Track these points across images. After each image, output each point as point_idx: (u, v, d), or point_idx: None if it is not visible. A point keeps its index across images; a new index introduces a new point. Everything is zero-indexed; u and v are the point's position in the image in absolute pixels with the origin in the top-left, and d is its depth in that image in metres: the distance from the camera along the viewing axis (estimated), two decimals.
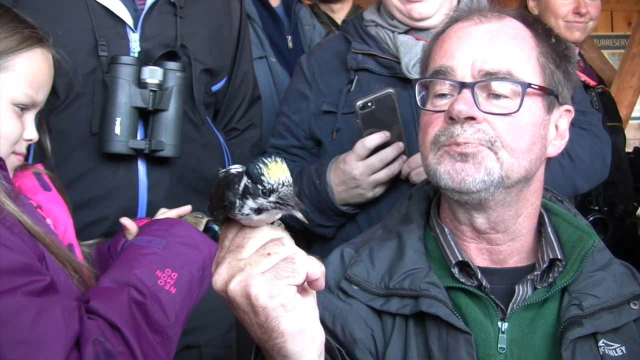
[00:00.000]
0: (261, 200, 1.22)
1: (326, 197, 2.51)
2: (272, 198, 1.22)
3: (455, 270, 1.75)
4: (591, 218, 3.07)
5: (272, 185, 1.22)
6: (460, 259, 1.75)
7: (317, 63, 2.77)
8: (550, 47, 1.78)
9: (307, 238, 2.95)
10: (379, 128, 2.40)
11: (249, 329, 1.24)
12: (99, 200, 2.49)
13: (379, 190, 2.47)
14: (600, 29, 7.20)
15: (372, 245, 1.85)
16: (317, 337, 1.26)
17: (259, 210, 1.23)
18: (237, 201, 1.24)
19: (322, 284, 1.25)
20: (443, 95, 1.76)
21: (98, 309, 1.83)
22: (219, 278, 1.23)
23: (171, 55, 2.55)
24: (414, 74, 2.46)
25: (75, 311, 1.78)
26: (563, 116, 1.82)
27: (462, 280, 1.74)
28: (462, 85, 1.70)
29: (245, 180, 1.23)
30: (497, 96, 1.70)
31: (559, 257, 1.75)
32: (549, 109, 1.77)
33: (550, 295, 1.73)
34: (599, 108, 3.34)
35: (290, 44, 3.52)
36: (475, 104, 1.68)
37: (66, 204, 2.08)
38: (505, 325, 1.71)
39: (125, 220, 2.27)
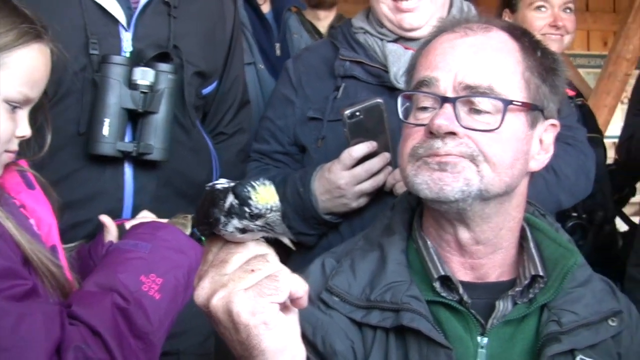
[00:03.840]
0: (247, 222, 1.21)
1: (310, 205, 2.49)
2: (259, 222, 1.21)
3: (437, 285, 1.73)
4: (570, 224, 3.08)
5: (260, 210, 1.21)
6: (443, 273, 1.73)
7: (303, 68, 2.76)
8: (537, 60, 1.77)
9: (287, 247, 2.92)
10: (366, 138, 2.38)
11: (229, 345, 1.24)
12: (83, 202, 2.44)
13: (363, 201, 2.46)
14: (577, 48, 7.31)
15: (353, 256, 1.83)
16: (297, 356, 1.26)
17: (243, 230, 1.23)
18: (222, 218, 1.23)
19: (305, 302, 1.25)
20: (425, 109, 1.75)
21: (80, 314, 1.79)
22: (202, 292, 1.23)
23: (163, 57, 2.51)
24: (402, 83, 2.45)
25: (57, 317, 1.74)
26: (548, 130, 1.80)
27: (444, 294, 1.73)
28: (444, 99, 1.69)
29: (231, 199, 1.22)
30: (479, 111, 1.69)
31: (541, 273, 1.74)
32: (533, 124, 1.75)
33: (530, 312, 1.72)
34: (579, 119, 3.35)
35: (278, 52, 3.50)
36: (457, 118, 1.67)
37: (51, 203, 2.04)
38: (485, 340, 1.70)
39: (105, 218, 2.24)
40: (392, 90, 2.50)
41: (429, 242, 1.79)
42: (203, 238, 2.44)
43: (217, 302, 1.19)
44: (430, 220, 1.81)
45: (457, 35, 1.77)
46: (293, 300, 1.23)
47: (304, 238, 2.61)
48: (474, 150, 1.66)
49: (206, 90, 2.75)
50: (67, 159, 2.44)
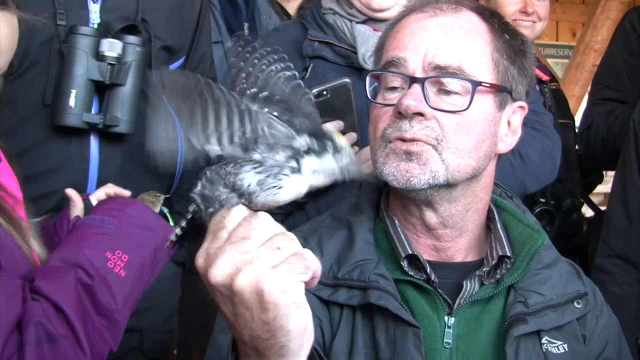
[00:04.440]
0: (328, 157, 1.24)
1: None
2: (344, 160, 1.23)
3: (405, 264, 1.72)
4: (538, 210, 3.09)
5: (342, 146, 1.23)
6: (410, 252, 1.72)
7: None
8: (506, 42, 1.75)
9: None
10: (333, 117, 2.36)
11: (242, 327, 1.16)
12: (48, 174, 2.42)
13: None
14: (545, 38, 7.35)
15: (320, 234, 1.81)
16: (312, 336, 1.22)
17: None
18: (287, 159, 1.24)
19: (316, 282, 1.20)
20: (394, 89, 1.72)
21: (43, 289, 1.76)
22: (220, 271, 1.13)
23: (131, 30, 2.48)
24: (370, 64, 2.42)
25: (19, 291, 1.71)
26: (516, 112, 1.79)
27: (411, 273, 1.72)
28: (412, 79, 1.67)
29: (305, 138, 1.22)
30: (448, 92, 1.67)
31: (508, 254, 1.74)
32: (501, 106, 1.74)
33: (497, 292, 1.72)
34: (552, 104, 3.36)
35: (246, 31, 3.47)
36: (425, 99, 1.65)
37: (16, 176, 1.99)
38: (452, 320, 1.69)
39: (71, 192, 2.20)
40: (360, 71, 2.49)
41: (396, 222, 1.79)
42: (167, 211, 2.44)
43: (243, 281, 1.11)
44: (397, 202, 1.80)
45: (427, 16, 1.75)
46: (310, 280, 1.18)
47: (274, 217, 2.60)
48: (438, 134, 1.65)
49: (173, 66, 2.72)
50: (32, 130, 2.41)
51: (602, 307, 1.83)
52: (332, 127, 2.30)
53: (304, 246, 1.73)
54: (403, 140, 1.65)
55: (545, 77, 3.41)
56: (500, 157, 1.83)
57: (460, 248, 1.78)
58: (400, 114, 1.66)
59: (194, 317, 3.17)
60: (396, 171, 1.65)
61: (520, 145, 2.53)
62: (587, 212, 3.82)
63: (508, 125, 1.78)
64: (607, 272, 2.71)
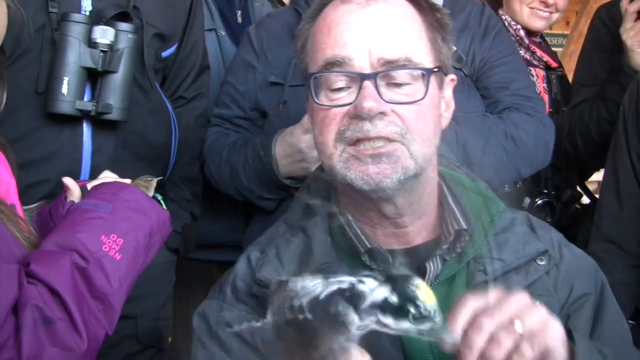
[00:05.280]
0: (407, 324, 1.23)
1: (270, 169, 2.48)
2: (425, 327, 1.22)
3: (366, 258, 1.70)
4: (540, 202, 3.08)
5: (429, 312, 1.21)
6: (370, 246, 1.70)
7: (265, 34, 2.74)
8: (435, 19, 1.75)
9: (247, 211, 2.92)
10: None
11: None
12: (41, 162, 2.42)
13: None
14: None
15: (277, 243, 1.78)
16: None
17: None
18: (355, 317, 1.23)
19: None
20: (339, 89, 1.68)
21: (38, 273, 1.77)
22: None
23: (123, 17, 2.48)
24: None
25: (15, 275, 1.72)
26: (448, 86, 1.79)
27: (375, 266, 1.69)
28: (364, 77, 1.63)
29: (386, 292, 1.21)
30: (399, 85, 1.65)
31: (464, 227, 1.72)
32: (441, 85, 1.74)
33: (461, 268, 1.71)
34: (558, 91, 3.35)
35: (239, 19, 3.47)
36: (380, 95, 1.62)
37: (9, 162, 2.00)
38: None
39: (68, 180, 2.20)
40: None
41: (350, 218, 1.75)
42: (160, 197, 2.45)
43: None
44: (349, 198, 1.76)
45: (357, 7, 1.69)
46: None
47: (264, 202, 2.61)
48: (402, 128, 1.63)
49: (165, 53, 2.74)
50: (25, 118, 2.40)
51: (560, 253, 1.80)
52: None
53: (261, 259, 1.73)
54: (367, 140, 1.62)
55: (554, 64, 3.41)
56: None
57: (419, 230, 1.76)
58: (358, 115, 1.62)
59: (187, 304, 3.18)
60: (365, 175, 1.62)
61: (514, 130, 2.56)
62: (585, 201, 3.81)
63: (444, 100, 1.78)
64: (598, 258, 2.71)
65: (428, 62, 1.69)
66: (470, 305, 1.36)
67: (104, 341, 1.97)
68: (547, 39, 3.82)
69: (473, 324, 1.33)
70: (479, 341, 1.31)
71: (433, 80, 1.69)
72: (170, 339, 2.91)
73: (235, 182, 2.62)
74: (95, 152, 2.49)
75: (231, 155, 2.63)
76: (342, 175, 1.65)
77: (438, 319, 1.20)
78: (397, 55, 1.64)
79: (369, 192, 1.64)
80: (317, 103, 1.69)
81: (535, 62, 3.34)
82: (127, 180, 2.20)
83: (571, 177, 3.41)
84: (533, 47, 3.33)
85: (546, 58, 3.38)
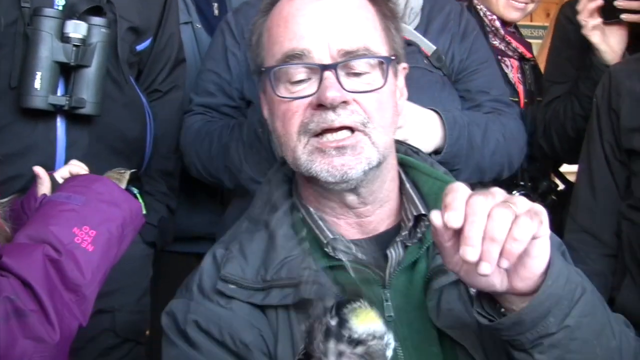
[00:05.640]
0: (344, 347, 1.19)
1: (268, 146, 2.42)
2: (359, 350, 1.19)
3: (330, 249, 1.71)
4: (516, 194, 3.08)
5: (360, 336, 1.18)
6: (332, 237, 1.71)
7: (245, 21, 2.71)
8: (387, 8, 1.76)
9: (226, 203, 2.93)
10: None
11: None
12: (15, 157, 2.42)
13: None
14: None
15: (240, 239, 1.77)
16: None
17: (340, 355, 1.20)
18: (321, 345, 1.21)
19: None
20: (299, 81, 1.68)
21: (10, 265, 1.78)
22: None
23: (96, 11, 2.48)
24: None
25: None
26: (401, 74, 1.81)
27: (339, 257, 1.70)
28: (324, 68, 1.64)
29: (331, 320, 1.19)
30: (358, 74, 1.67)
31: (423, 212, 1.73)
32: (395, 74, 1.76)
33: (422, 253, 1.70)
34: (532, 81, 3.36)
35: (216, 11, 3.46)
36: (341, 85, 1.63)
37: None
38: (388, 292, 1.68)
39: (38, 169, 2.22)
40: None
41: (311, 210, 1.76)
42: (136, 191, 2.46)
43: None
44: (311, 190, 1.76)
45: None
46: None
47: (254, 185, 2.58)
48: (364, 117, 1.64)
49: (140, 47, 2.74)
50: None
51: None
52: None
53: (226, 255, 1.72)
54: (330, 131, 1.64)
55: (528, 55, 3.42)
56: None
57: (382, 218, 1.77)
58: (321, 106, 1.63)
59: (166, 297, 3.18)
60: (330, 167, 1.63)
61: (503, 127, 2.60)
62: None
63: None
64: (573, 248, 2.72)
65: (383, 50, 1.71)
66: (462, 191, 1.35)
67: (82, 335, 1.99)
68: (528, 31, 3.84)
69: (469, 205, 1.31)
70: (480, 219, 1.29)
71: (390, 69, 1.71)
72: (148, 332, 2.91)
73: (227, 161, 2.57)
74: (69, 146, 2.49)
75: (224, 136, 2.57)
76: (306, 168, 1.66)
77: (373, 342, 1.19)
78: (356, 45, 1.65)
79: (334, 183, 1.65)
80: (278, 96, 1.69)
81: (510, 53, 3.34)
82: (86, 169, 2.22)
83: (547, 167, 3.43)
84: (508, 37, 3.33)
85: (521, 49, 3.38)
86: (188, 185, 3.05)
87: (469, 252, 1.28)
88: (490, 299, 1.44)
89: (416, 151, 1.92)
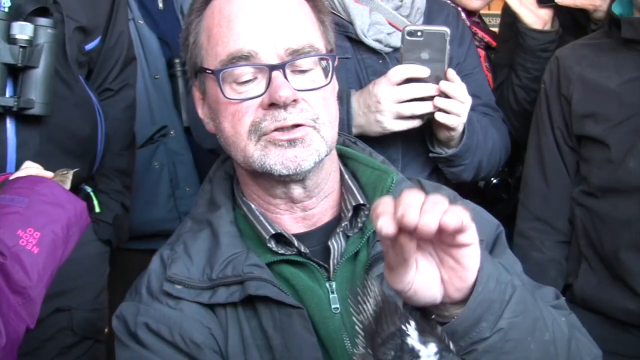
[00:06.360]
0: None
1: (344, 117, 2.38)
2: None
3: (272, 244, 1.72)
4: (495, 181, 3.09)
5: None
6: (273, 232, 1.72)
7: None
8: (320, 2, 1.78)
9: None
10: (419, 62, 2.29)
11: None
12: None
13: (398, 125, 2.36)
14: None
15: (185, 239, 1.78)
16: None
17: None
18: None
19: None
20: (246, 82, 1.68)
21: None
22: None
23: (43, 12, 2.48)
24: (369, 38, 2.47)
25: None
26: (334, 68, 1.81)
27: (282, 251, 1.72)
28: (272, 67, 1.65)
29: None
30: (303, 71, 1.69)
31: (361, 202, 1.75)
32: (333, 70, 1.76)
33: (364, 243, 1.72)
34: (491, 70, 3.38)
35: (160, 5, 3.45)
36: (290, 84, 1.64)
37: None
38: (333, 284, 1.70)
39: None
40: (354, 42, 2.52)
41: (253, 206, 1.78)
42: (90, 189, 2.46)
43: None
44: (255, 187, 1.78)
45: None
46: None
47: None
48: (313, 114, 1.67)
49: (89, 46, 2.74)
50: None
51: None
52: (414, 69, 2.28)
53: (171, 256, 1.73)
54: (282, 129, 1.65)
55: (494, 44, 3.44)
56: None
57: (325, 209, 1.79)
58: (273, 105, 1.64)
59: (124, 295, 3.19)
60: (284, 159, 1.64)
61: (496, 129, 2.65)
62: None
63: None
64: (527, 237, 2.74)
65: (322, 46, 1.73)
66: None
67: (39, 335, 2.00)
68: (486, 19, 3.84)
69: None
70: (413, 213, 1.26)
71: (332, 64, 1.73)
72: (107, 330, 2.92)
73: None
74: (20, 147, 2.49)
75: None
76: (260, 163, 1.67)
77: None
78: (302, 43, 1.67)
79: (287, 176, 1.67)
80: (227, 98, 1.69)
81: (477, 43, 3.36)
82: (49, 174, 2.21)
83: (522, 151, 3.45)
84: (474, 28, 3.35)
85: (487, 38, 3.40)
86: (144, 183, 3.06)
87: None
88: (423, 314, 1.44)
89: (354, 141, 1.93)
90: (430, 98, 2.29)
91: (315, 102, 1.68)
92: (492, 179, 3.04)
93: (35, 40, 2.42)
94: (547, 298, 1.75)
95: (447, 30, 2.28)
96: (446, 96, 2.28)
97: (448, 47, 2.27)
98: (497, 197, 3.06)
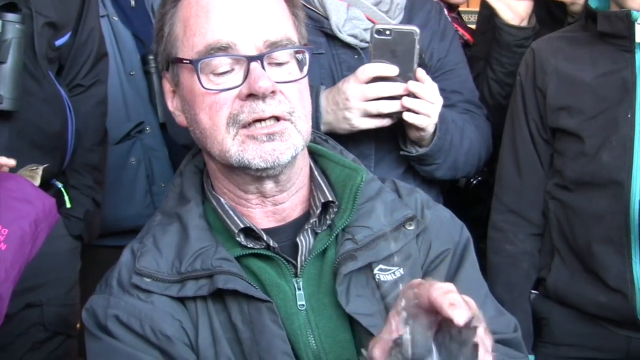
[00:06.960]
0: None
1: (313, 113, 2.26)
2: None
3: (241, 238, 1.71)
4: (475, 181, 3.09)
5: None
6: (242, 225, 1.72)
7: None
8: None
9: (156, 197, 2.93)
10: (388, 61, 2.28)
11: None
12: None
13: (365, 123, 2.35)
14: None
15: (154, 232, 1.76)
16: None
17: None
18: None
19: None
20: (223, 73, 1.67)
21: None
22: None
23: (12, 7, 2.47)
24: (344, 33, 2.46)
25: None
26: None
27: (250, 245, 1.71)
28: (251, 59, 1.64)
29: None
30: (280, 64, 1.68)
31: (330, 199, 1.75)
32: (308, 63, 1.76)
33: (332, 240, 1.73)
34: (467, 62, 3.39)
35: (132, 2, 3.44)
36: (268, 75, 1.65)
37: None
38: (300, 281, 1.70)
39: None
40: (330, 37, 2.51)
41: (222, 200, 1.77)
42: (61, 185, 2.45)
43: None
44: (226, 181, 1.77)
45: None
46: None
47: None
48: (290, 107, 1.67)
49: (59, 42, 2.73)
50: None
51: (422, 214, 1.84)
52: (382, 68, 2.27)
53: (140, 248, 1.73)
54: (260, 121, 1.64)
55: (472, 40, 3.45)
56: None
57: (295, 205, 1.79)
58: (251, 96, 1.64)
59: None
60: (263, 153, 1.64)
61: (476, 127, 2.65)
62: None
63: None
64: (500, 229, 2.74)
65: (296, 39, 1.73)
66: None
67: (10, 330, 1.98)
68: (465, 16, 3.85)
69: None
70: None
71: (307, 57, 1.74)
72: (79, 325, 2.91)
73: None
74: None
75: None
76: (238, 158, 1.66)
77: None
78: (280, 35, 1.67)
79: (264, 170, 1.66)
80: (205, 88, 1.67)
81: None
82: (12, 162, 2.20)
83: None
84: (454, 24, 3.36)
85: (466, 36, 3.41)
86: (119, 179, 3.05)
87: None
88: None
89: (325, 139, 1.94)
90: (400, 97, 2.28)
91: (292, 95, 1.68)
92: (471, 179, 3.04)
93: (3, 35, 2.42)
94: (504, 328, 1.79)
95: (417, 29, 2.27)
96: (415, 96, 2.27)
97: (417, 46, 2.27)
98: (477, 196, 3.06)
